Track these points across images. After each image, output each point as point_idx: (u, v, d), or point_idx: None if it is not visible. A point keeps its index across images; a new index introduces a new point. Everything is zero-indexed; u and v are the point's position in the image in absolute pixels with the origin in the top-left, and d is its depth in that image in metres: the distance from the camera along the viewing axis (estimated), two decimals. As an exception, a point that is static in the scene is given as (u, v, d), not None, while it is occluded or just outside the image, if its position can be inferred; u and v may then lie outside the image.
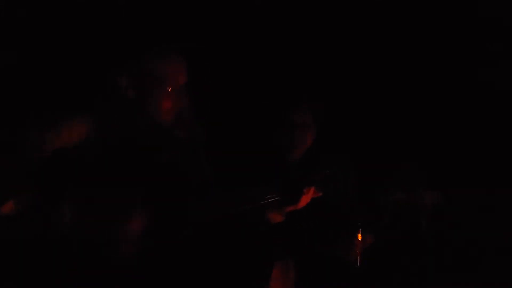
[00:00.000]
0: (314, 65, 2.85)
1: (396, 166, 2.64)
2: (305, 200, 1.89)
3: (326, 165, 1.91)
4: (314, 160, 2.21)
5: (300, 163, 2.27)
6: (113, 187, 1.61)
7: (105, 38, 2.08)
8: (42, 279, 1.54)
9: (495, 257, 2.44)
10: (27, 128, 1.54)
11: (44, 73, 2.15)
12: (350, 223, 2.20)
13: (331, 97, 2.76)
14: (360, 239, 2.17)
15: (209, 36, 2.61)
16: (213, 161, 1.96)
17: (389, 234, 2.47)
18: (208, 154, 1.94)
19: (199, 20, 2.59)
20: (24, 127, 1.55)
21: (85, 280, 1.55)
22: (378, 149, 2.73)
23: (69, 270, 1.55)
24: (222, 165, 2.07)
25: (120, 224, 1.60)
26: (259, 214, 1.91)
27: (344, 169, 1.91)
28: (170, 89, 1.72)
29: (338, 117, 2.74)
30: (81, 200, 1.55)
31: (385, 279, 2.30)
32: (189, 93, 1.79)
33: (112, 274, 1.57)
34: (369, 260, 2.20)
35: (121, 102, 1.72)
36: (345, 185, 1.93)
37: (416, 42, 2.89)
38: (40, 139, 1.55)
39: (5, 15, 2.15)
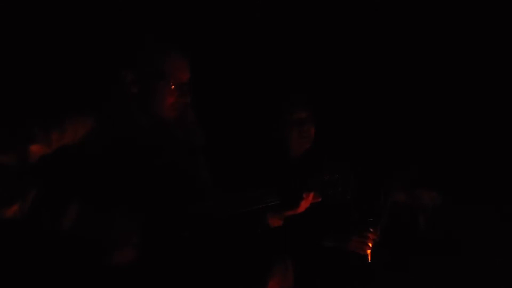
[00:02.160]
0: (314, 68, 2.85)
1: (396, 167, 2.64)
2: (304, 205, 1.89)
3: (325, 170, 1.91)
4: (313, 165, 2.21)
5: (300, 168, 2.27)
6: (114, 187, 1.61)
7: (108, 36, 2.09)
8: (42, 279, 1.54)
9: (495, 257, 2.45)
10: (32, 127, 1.54)
11: (48, 72, 2.15)
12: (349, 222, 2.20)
13: (331, 99, 2.77)
14: (372, 233, 2.18)
15: (209, 36, 2.62)
16: (213, 162, 1.96)
17: (388, 234, 2.47)
18: (208, 155, 1.94)
19: (200, 20, 2.59)
20: (29, 125, 1.54)
21: (85, 280, 1.56)
22: (378, 150, 2.73)
23: (70, 270, 1.55)
24: (222, 166, 2.07)
25: (120, 224, 1.60)
26: (258, 217, 1.91)
27: (344, 173, 1.91)
28: (173, 86, 1.73)
29: (337, 120, 2.75)
30: (84, 200, 1.55)
31: (384, 279, 2.30)
32: (191, 94, 1.79)
33: (112, 274, 1.57)
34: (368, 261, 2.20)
35: (125, 99, 1.72)
36: (344, 189, 1.93)
37: (416, 43, 2.89)
38: (45, 137, 1.54)
39: (5, 15, 2.16)
